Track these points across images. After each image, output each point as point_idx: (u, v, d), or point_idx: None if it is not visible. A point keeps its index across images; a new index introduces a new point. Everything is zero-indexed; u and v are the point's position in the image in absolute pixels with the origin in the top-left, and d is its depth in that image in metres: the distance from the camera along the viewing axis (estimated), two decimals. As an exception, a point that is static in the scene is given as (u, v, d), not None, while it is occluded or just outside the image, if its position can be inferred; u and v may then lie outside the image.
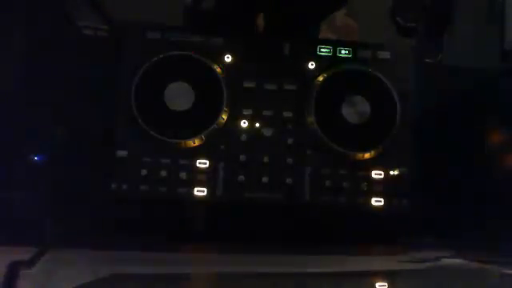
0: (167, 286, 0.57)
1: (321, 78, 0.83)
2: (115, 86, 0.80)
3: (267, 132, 0.82)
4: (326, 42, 0.86)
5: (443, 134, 0.88)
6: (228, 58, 0.83)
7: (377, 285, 0.62)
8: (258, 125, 0.82)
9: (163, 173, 0.79)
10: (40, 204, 0.78)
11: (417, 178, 0.82)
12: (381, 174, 0.83)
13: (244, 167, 0.81)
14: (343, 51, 0.86)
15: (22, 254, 0.53)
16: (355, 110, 0.83)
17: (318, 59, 0.85)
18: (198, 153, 0.80)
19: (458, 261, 0.71)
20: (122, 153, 0.79)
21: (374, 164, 0.83)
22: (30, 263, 0.52)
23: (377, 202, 0.83)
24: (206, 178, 0.80)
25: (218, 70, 0.82)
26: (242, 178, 0.80)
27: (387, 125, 0.83)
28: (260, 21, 1.07)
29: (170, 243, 0.75)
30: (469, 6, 0.74)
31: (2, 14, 0.79)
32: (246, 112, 0.82)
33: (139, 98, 0.79)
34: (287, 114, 0.83)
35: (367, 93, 0.83)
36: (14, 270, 0.47)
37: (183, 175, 0.79)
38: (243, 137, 0.82)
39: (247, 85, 0.83)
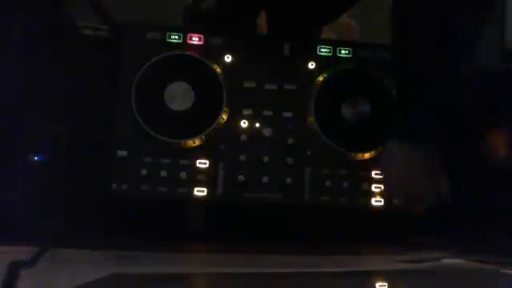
0: (167, 286, 0.57)
1: (321, 78, 0.83)
2: (115, 85, 0.80)
3: (267, 132, 0.82)
4: (326, 42, 0.86)
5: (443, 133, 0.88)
6: (228, 58, 0.83)
7: (377, 285, 0.62)
8: (258, 125, 0.82)
9: (163, 173, 0.79)
10: (40, 204, 0.78)
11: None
12: (381, 174, 0.83)
13: (244, 167, 0.81)
14: (343, 51, 0.86)
15: (22, 254, 0.53)
16: (355, 110, 0.83)
17: (318, 59, 0.85)
18: (197, 153, 0.80)
19: (457, 261, 0.71)
20: (122, 153, 0.79)
21: (373, 164, 0.83)
22: (30, 263, 0.52)
23: (377, 201, 0.83)
24: (206, 178, 0.80)
25: (218, 70, 0.82)
26: (241, 177, 0.80)
27: (387, 125, 0.82)
28: (262, 21, 1.07)
29: (169, 243, 0.75)
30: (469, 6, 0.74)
31: (2, 14, 0.79)
32: (246, 112, 0.82)
33: (139, 98, 0.79)
34: (287, 114, 0.83)
35: (367, 93, 0.83)
36: (14, 270, 0.47)
37: (183, 175, 0.79)
38: (243, 137, 0.82)
39: (247, 85, 0.83)
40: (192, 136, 0.79)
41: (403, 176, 0.76)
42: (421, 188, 0.76)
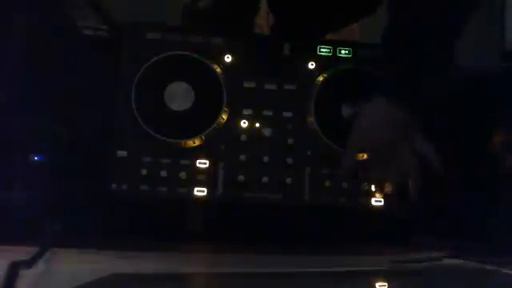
0: (167, 286, 0.57)
1: (321, 78, 0.83)
2: (115, 85, 0.80)
3: (267, 132, 0.82)
4: (326, 42, 0.86)
5: (444, 133, 0.88)
6: (228, 58, 0.83)
7: (377, 285, 0.62)
8: (258, 125, 0.82)
9: (163, 173, 0.79)
10: (40, 204, 0.78)
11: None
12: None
13: (244, 167, 0.81)
14: (343, 51, 0.86)
15: (22, 254, 0.54)
16: (355, 110, 0.83)
17: (318, 59, 0.85)
18: (198, 153, 0.80)
19: (457, 261, 0.71)
20: (122, 153, 0.79)
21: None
22: (30, 263, 0.53)
23: (377, 201, 0.83)
24: (206, 178, 0.80)
25: (218, 70, 0.82)
26: (241, 177, 0.80)
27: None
28: (262, 21, 1.07)
29: (169, 243, 0.75)
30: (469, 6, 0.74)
31: (2, 13, 0.79)
32: (246, 112, 0.82)
33: (139, 98, 0.79)
34: (287, 114, 0.83)
35: (367, 93, 0.83)
36: (14, 270, 0.48)
37: (183, 175, 0.79)
38: (243, 137, 0.82)
39: (247, 85, 0.83)
40: (192, 136, 0.79)
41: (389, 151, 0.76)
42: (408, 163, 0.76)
